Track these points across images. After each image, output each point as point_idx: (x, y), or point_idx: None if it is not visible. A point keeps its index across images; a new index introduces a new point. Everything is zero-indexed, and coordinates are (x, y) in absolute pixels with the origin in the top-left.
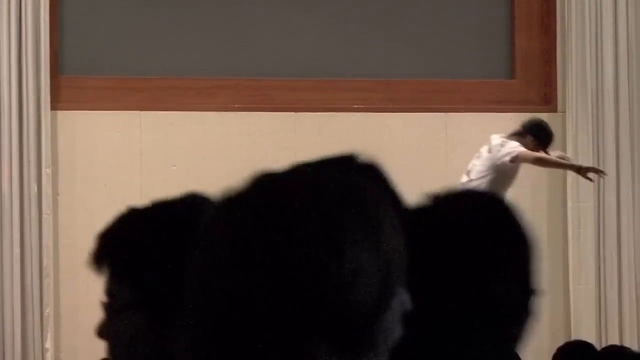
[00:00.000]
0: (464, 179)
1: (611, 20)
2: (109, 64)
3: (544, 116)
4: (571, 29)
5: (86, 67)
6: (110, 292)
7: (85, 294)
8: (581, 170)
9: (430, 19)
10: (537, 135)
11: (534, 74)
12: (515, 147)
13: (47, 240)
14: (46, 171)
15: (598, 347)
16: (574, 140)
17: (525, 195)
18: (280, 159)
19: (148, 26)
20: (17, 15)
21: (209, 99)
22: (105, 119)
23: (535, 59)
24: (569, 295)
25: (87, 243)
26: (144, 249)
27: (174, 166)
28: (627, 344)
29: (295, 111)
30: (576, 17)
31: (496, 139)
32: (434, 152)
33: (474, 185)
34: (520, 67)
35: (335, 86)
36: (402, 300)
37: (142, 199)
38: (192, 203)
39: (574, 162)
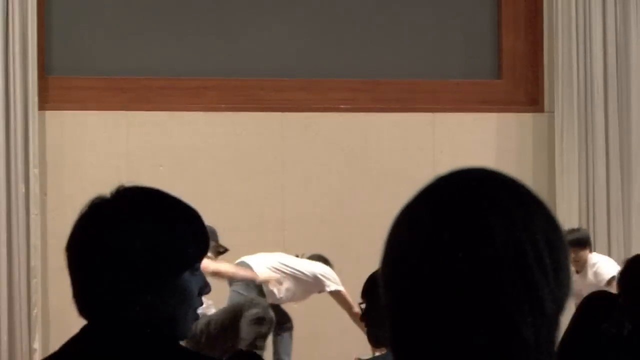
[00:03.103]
0: None
1: (600, 20)
2: (96, 65)
3: (530, 116)
4: (558, 29)
5: (73, 68)
6: None
7: None
8: None
9: (417, 19)
10: None
11: (520, 74)
12: None
13: (35, 240)
14: (34, 171)
15: None
16: (560, 140)
17: None
18: (267, 159)
19: (135, 27)
20: (4, 16)
21: (195, 99)
22: (92, 119)
23: (522, 60)
24: None
25: None
26: None
27: (161, 166)
28: None
29: (282, 111)
30: (563, 17)
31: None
32: (421, 152)
33: None
34: (507, 68)
35: (322, 86)
36: None
37: None
38: None
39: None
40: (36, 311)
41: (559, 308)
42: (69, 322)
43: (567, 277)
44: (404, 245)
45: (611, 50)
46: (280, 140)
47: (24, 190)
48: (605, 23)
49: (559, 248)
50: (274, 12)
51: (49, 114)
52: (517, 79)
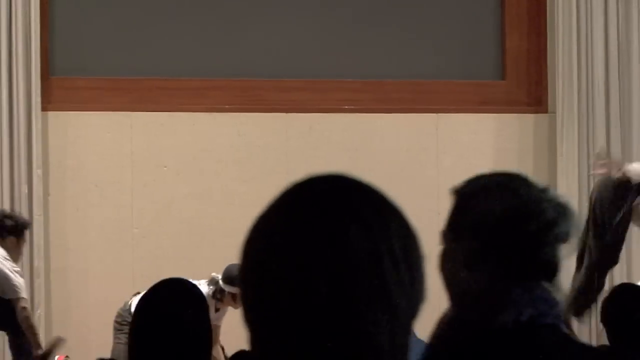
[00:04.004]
0: None
1: (601, 20)
2: (100, 65)
3: (533, 117)
4: (560, 29)
5: (77, 68)
6: None
7: (76, 294)
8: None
9: (421, 20)
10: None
11: (524, 74)
12: None
13: (38, 240)
14: (37, 172)
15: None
16: (561, 141)
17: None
18: (270, 160)
19: (138, 27)
20: (7, 17)
21: (199, 100)
22: (96, 120)
23: (525, 60)
24: None
25: (77, 244)
26: None
27: (165, 167)
28: None
29: (286, 112)
30: (565, 18)
31: None
32: (425, 153)
33: None
34: (511, 68)
35: (325, 87)
36: None
37: (133, 200)
38: None
39: None
40: (39, 311)
41: (413, 314)
42: (72, 322)
43: (422, 284)
44: (260, 253)
45: (613, 51)
46: (284, 141)
47: (26, 191)
48: (607, 23)
49: (415, 255)
50: (277, 13)
51: (52, 114)
52: (520, 80)
